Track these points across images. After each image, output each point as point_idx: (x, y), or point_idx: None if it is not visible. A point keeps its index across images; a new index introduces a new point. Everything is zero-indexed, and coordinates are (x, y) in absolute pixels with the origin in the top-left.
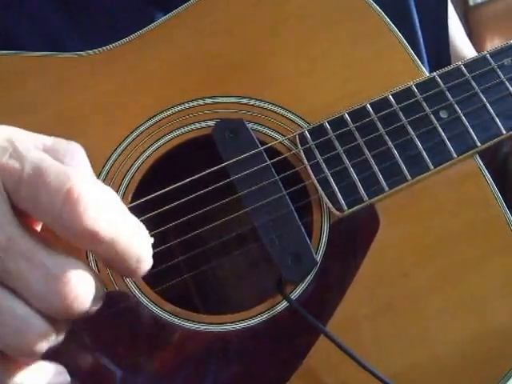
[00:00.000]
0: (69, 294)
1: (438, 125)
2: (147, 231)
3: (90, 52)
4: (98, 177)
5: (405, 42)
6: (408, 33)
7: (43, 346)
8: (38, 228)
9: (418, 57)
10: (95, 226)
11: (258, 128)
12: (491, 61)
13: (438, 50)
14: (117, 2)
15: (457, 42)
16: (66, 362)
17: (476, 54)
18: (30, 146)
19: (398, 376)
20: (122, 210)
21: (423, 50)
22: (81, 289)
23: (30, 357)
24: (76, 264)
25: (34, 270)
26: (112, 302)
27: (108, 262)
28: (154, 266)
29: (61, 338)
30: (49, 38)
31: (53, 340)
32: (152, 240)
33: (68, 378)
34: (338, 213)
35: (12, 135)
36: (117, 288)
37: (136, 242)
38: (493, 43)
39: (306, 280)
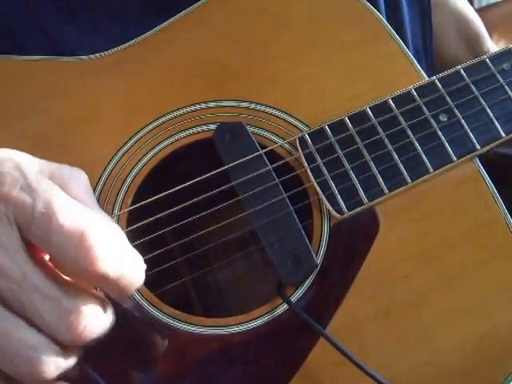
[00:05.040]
0: (78, 325)
1: (437, 128)
2: (142, 259)
3: (92, 56)
4: (99, 180)
5: (405, 47)
6: (397, 25)
7: (55, 372)
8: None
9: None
10: (106, 270)
11: (259, 131)
12: (491, 65)
13: (424, 43)
14: (118, 7)
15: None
16: None
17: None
18: (40, 178)
19: (398, 379)
20: (127, 246)
21: (410, 43)
22: (90, 320)
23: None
24: (85, 296)
25: (46, 303)
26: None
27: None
28: (153, 269)
29: (72, 362)
30: (50, 41)
31: (65, 366)
32: (145, 266)
33: None
34: (338, 215)
35: (20, 163)
36: None
37: (136, 276)
38: (499, 46)
39: (307, 282)
